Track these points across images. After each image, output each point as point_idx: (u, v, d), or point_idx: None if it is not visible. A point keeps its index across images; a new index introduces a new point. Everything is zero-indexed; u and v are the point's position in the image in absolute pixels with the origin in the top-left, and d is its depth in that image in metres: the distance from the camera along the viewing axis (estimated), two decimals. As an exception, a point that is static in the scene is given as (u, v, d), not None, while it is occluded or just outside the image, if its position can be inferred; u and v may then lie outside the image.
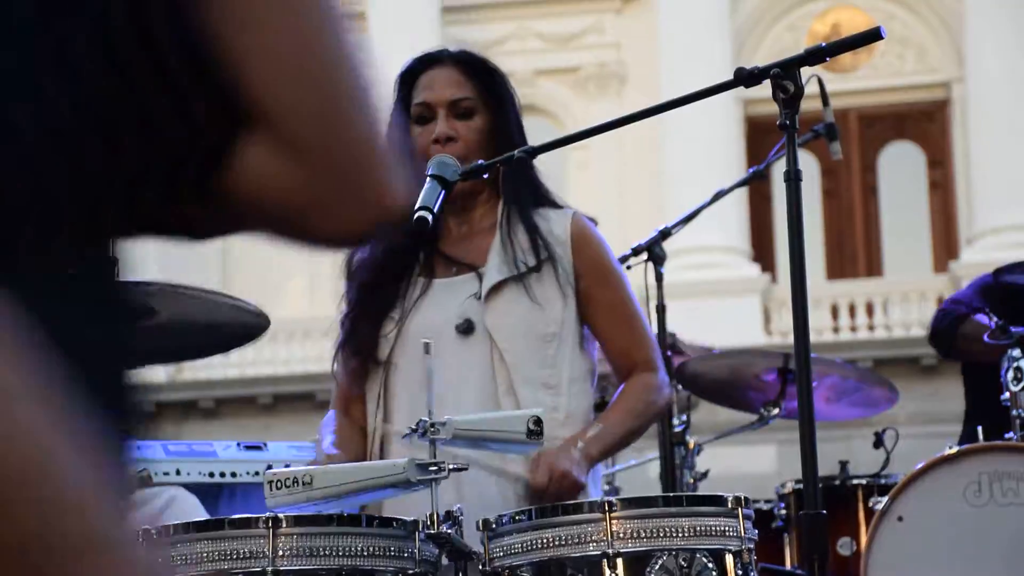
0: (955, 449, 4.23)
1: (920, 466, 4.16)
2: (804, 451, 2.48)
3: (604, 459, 3.03)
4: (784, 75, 2.55)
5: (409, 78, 3.08)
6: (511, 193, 3.05)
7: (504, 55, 20.83)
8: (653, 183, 18.96)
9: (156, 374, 18.48)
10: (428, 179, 2.83)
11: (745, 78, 2.59)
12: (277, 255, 20.08)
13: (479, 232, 3.06)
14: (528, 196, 3.07)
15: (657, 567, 2.49)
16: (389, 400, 2.99)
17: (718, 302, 17.06)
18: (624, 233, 18.53)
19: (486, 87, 3.07)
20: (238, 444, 3.91)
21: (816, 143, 3.87)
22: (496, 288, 2.98)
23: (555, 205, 3.10)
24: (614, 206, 19.62)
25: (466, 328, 2.97)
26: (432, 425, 2.55)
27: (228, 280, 19.40)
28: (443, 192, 2.82)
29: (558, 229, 3.04)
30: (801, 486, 4.47)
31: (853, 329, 18.63)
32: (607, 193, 19.69)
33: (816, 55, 2.59)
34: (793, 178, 2.53)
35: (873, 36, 2.60)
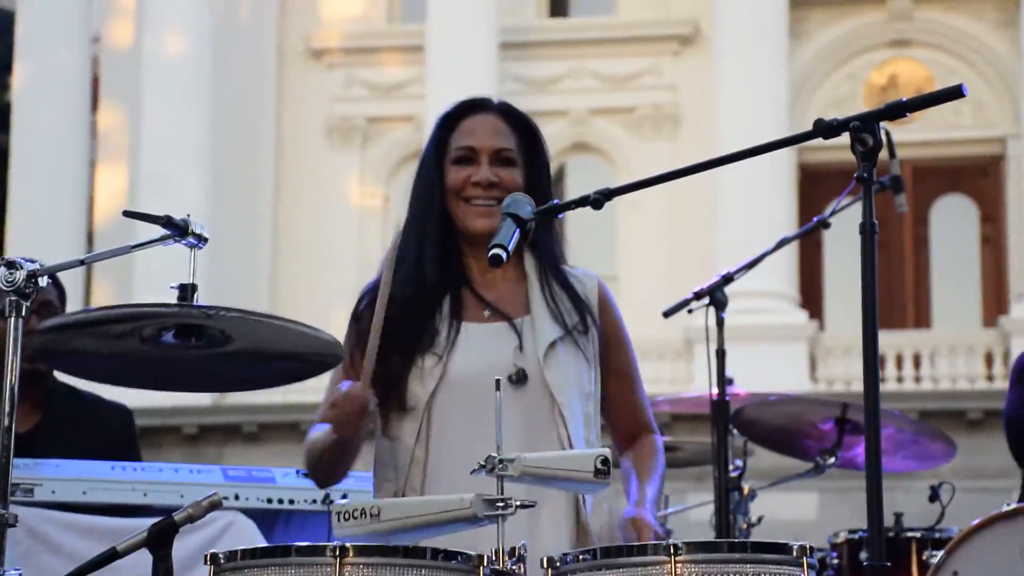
0: (1013, 506, 4.22)
1: (977, 522, 4.14)
2: (871, 503, 2.47)
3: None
4: (863, 128, 2.55)
5: (451, 121, 3.14)
6: (545, 247, 3.11)
7: (559, 93, 20.92)
8: (704, 225, 18.93)
9: (201, 397, 18.57)
10: (504, 217, 2.85)
11: (824, 130, 2.60)
12: (323, 282, 20.18)
13: (508, 279, 3.10)
14: (558, 252, 3.14)
15: (721, 613, 2.47)
16: (430, 437, 3.00)
17: (765, 347, 16.98)
18: (674, 275, 18.61)
19: (527, 142, 3.14)
20: (296, 472, 3.93)
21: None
22: (552, 344, 3.02)
23: (566, 261, 3.17)
24: (664, 248, 19.62)
25: (519, 379, 2.99)
26: (501, 461, 2.56)
27: (275, 307, 19.48)
28: (518, 230, 2.84)
29: (588, 292, 3.11)
30: (854, 536, 4.49)
31: (899, 380, 18.52)
32: (658, 235, 19.68)
33: (896, 110, 2.59)
34: (869, 230, 2.53)
35: (955, 94, 2.59)
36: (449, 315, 3.05)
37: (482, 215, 3.05)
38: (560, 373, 3.01)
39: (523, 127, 3.15)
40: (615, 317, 3.15)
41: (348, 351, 3.06)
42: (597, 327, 3.09)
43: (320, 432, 2.98)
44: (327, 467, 3.02)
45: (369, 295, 3.09)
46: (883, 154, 3.56)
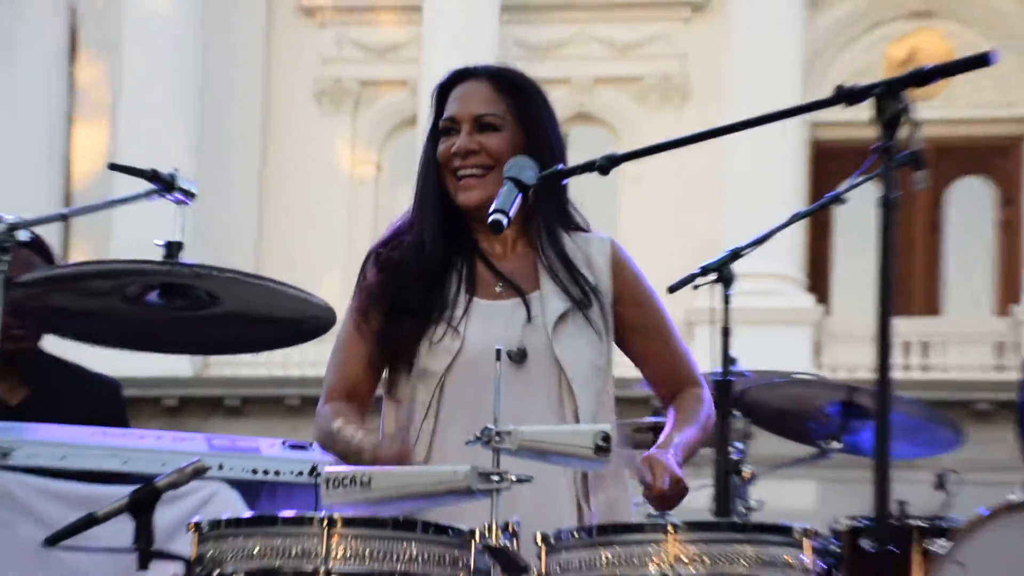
0: (1021, 497, 4.22)
1: (985, 512, 4.14)
2: (878, 487, 2.48)
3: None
4: (888, 95, 2.52)
5: (443, 93, 3.18)
6: (545, 216, 3.13)
7: (562, 60, 20.81)
8: (710, 201, 18.90)
9: (182, 368, 18.57)
10: (505, 181, 2.87)
11: (846, 95, 2.57)
12: (311, 250, 20.14)
13: (517, 253, 3.13)
14: (558, 220, 3.15)
15: (719, 595, 2.49)
16: (440, 410, 3.03)
17: (769, 330, 17.00)
18: (677, 252, 18.55)
19: (517, 103, 3.14)
20: (283, 443, 3.93)
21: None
22: (562, 316, 3.04)
23: (580, 226, 3.19)
24: (668, 223, 19.58)
25: (520, 356, 3.02)
26: (498, 433, 2.57)
27: (261, 273, 19.40)
28: (520, 195, 2.86)
29: (597, 255, 3.13)
30: (856, 523, 4.49)
31: (906, 368, 18.53)
32: (661, 210, 19.65)
33: (921, 77, 2.56)
34: (889, 204, 2.52)
35: (982, 61, 2.57)
36: (463, 289, 3.07)
37: (464, 188, 3.08)
38: (571, 346, 3.03)
39: (515, 89, 3.16)
40: (633, 274, 3.17)
41: (358, 311, 3.08)
42: (599, 297, 3.10)
43: (346, 435, 2.96)
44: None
45: (376, 255, 3.12)
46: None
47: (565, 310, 3.06)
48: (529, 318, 3.04)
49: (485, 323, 3.04)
